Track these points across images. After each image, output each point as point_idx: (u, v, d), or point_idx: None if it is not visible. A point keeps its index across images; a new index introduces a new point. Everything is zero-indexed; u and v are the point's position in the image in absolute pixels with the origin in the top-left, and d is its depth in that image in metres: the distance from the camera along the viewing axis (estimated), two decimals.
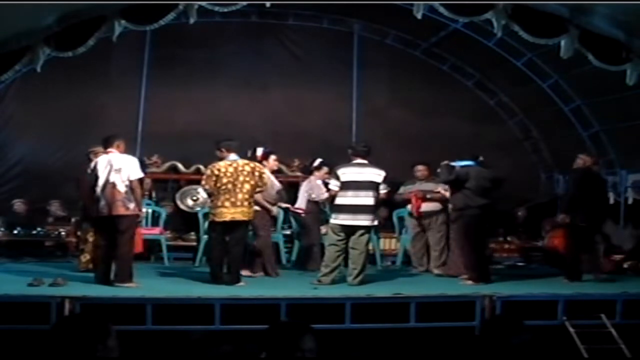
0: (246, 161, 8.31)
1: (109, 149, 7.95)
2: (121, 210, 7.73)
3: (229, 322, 6.83)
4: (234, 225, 8.15)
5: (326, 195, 9.73)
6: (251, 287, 7.98)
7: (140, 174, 8.02)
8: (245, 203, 8.11)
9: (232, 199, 8.07)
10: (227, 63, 11.97)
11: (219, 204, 8.10)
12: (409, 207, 9.95)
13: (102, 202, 7.77)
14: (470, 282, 8.41)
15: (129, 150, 9.74)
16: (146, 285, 7.98)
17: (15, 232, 10.63)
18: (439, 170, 8.87)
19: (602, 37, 8.22)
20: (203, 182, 8.34)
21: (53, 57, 7.97)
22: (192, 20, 8.00)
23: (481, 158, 9.06)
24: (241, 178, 8.10)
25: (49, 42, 7.71)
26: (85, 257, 8.85)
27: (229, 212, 8.08)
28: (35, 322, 6.47)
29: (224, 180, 8.08)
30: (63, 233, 10.69)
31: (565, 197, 9.48)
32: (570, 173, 9.38)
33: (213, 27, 11.22)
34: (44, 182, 11.28)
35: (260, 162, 9.00)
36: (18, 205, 11.07)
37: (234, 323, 6.77)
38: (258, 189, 8.33)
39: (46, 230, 10.81)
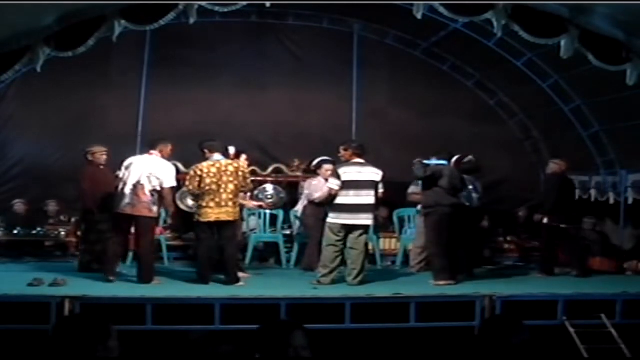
0: (230, 161, 8.35)
1: (152, 151, 8.26)
2: (144, 212, 8.04)
3: (229, 322, 6.84)
4: (220, 225, 8.17)
5: (317, 195, 9.71)
6: (251, 287, 7.99)
7: (174, 183, 8.26)
8: (230, 203, 8.14)
9: (217, 199, 8.10)
10: (227, 63, 11.95)
11: (204, 204, 8.14)
12: (419, 206, 9.83)
13: (127, 200, 8.03)
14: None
15: (129, 150, 9.79)
16: (146, 285, 8.00)
17: (15, 232, 10.63)
18: (413, 167, 8.86)
19: (602, 37, 8.21)
20: (187, 183, 8.39)
21: (53, 57, 7.97)
22: (192, 20, 7.99)
23: (470, 157, 9.14)
24: (225, 178, 8.12)
25: (49, 42, 7.70)
26: (85, 258, 8.85)
27: (214, 213, 8.11)
28: (35, 322, 6.49)
29: (207, 180, 8.11)
30: (63, 233, 10.68)
31: (548, 200, 9.76)
32: (551, 177, 9.99)
33: (213, 27, 11.21)
34: (44, 182, 11.27)
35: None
36: (18, 205, 11.06)
37: (234, 323, 6.78)
38: (242, 189, 8.38)
39: (46, 230, 10.80)
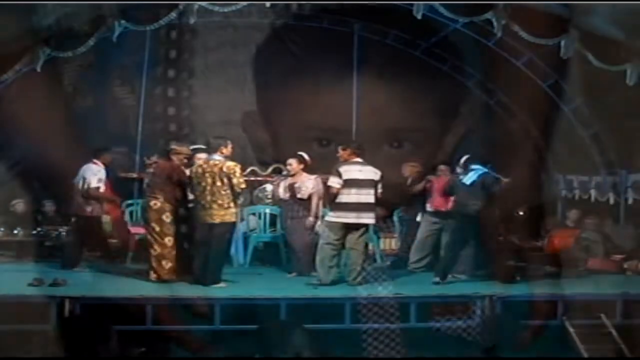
0: (217, 161, 8.03)
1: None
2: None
3: (229, 322, 6.83)
4: (209, 227, 8.03)
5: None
6: (251, 287, 7.98)
7: (95, 185, 9.18)
8: (214, 205, 7.94)
9: (202, 201, 8.03)
10: (226, 63, 11.96)
11: (195, 205, 8.15)
12: (428, 205, 9.75)
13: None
14: None
15: (129, 149, 9.77)
16: (146, 285, 7.99)
17: (15, 232, 10.63)
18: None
19: (602, 37, 8.22)
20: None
21: (53, 57, 7.97)
22: (192, 20, 8.00)
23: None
24: (209, 179, 7.98)
25: (49, 42, 7.72)
26: (167, 265, 8.18)
27: (200, 215, 8.06)
28: (35, 322, 6.47)
29: (195, 181, 8.10)
30: (63, 233, 10.64)
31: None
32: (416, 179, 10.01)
33: (213, 27, 11.21)
34: (44, 182, 11.26)
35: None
36: (18, 205, 11.05)
37: (234, 323, 6.77)
38: (237, 189, 8.02)
39: (46, 230, 10.78)
